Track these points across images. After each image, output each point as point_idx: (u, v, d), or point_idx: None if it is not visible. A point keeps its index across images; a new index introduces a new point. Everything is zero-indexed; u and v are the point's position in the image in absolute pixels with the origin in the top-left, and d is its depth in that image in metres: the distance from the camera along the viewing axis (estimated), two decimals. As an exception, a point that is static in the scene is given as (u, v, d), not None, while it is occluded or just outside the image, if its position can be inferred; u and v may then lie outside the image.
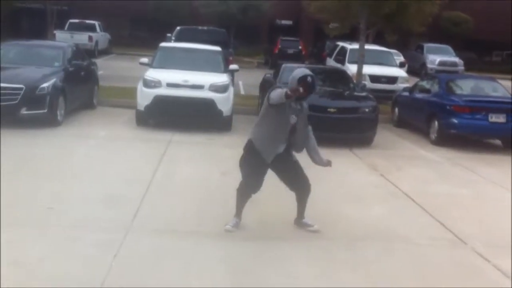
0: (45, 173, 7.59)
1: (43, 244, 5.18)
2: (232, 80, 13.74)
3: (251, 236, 5.72)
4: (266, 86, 13.27)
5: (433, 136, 11.84)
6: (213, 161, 8.86)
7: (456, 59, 29.52)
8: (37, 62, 11.49)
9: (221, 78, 11.66)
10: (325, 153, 9.95)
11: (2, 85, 10.03)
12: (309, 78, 5.48)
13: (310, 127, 5.95)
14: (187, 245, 5.40)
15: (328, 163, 6.11)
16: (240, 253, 5.26)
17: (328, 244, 5.74)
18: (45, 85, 10.40)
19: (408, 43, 31.67)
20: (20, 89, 10.09)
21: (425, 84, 13.73)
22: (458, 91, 12.48)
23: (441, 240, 6.12)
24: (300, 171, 6.08)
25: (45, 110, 10.34)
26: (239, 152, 9.69)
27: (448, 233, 6.33)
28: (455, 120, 11.36)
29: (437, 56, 29.09)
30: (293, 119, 5.69)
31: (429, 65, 28.52)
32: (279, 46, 28.77)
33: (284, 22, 37.48)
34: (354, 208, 7.00)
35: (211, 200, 6.81)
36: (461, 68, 28.89)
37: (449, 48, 30.57)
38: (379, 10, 14.78)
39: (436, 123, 11.74)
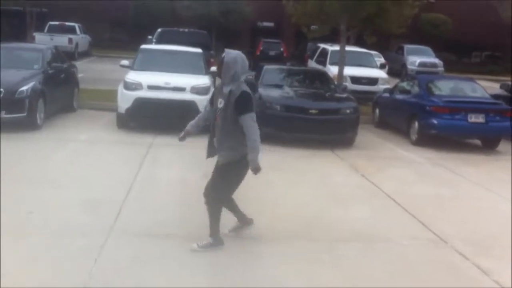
0: (25, 177, 7.49)
1: (23, 250, 5.12)
2: (214, 82, 13.72)
3: (230, 237, 5.70)
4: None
5: (413, 136, 11.94)
6: (194, 163, 8.81)
7: (436, 60, 29.83)
8: (16, 65, 11.34)
9: (203, 80, 11.64)
10: (306, 154, 10.11)
11: (-20, 88, 9.92)
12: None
13: (246, 117, 4.99)
14: (169, 248, 5.38)
15: (254, 170, 5.07)
16: (220, 255, 5.25)
17: (309, 245, 5.75)
18: (24, 88, 10.29)
19: (388, 45, 31.92)
20: (-1, 92, 9.98)
21: (406, 85, 13.83)
22: (438, 92, 12.59)
23: (422, 240, 6.17)
24: (213, 175, 5.41)
25: (25, 114, 10.23)
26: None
27: (429, 232, 6.38)
28: (435, 121, 11.46)
29: (417, 58, 29.38)
30: (220, 103, 5.22)
31: (409, 66, 28.79)
32: (261, 48, 28.83)
33: (265, 24, 37.53)
34: (336, 209, 7.03)
35: (192, 202, 6.77)
36: (441, 69, 29.20)
37: (429, 49, 30.89)
38: (358, 13, 14.87)
39: (417, 123, 11.84)
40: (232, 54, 5.15)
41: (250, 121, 5.00)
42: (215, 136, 5.28)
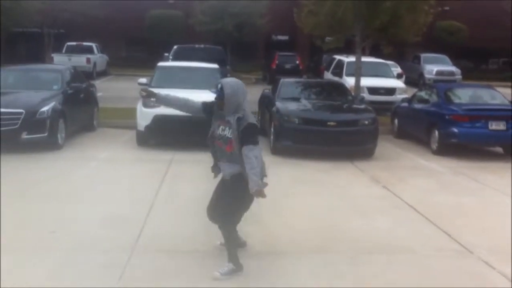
0: (47, 196, 7.57)
1: (46, 268, 5.16)
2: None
3: (255, 252, 5.70)
4: (265, 102, 13.32)
5: (434, 146, 11.84)
6: (215, 179, 8.83)
7: (453, 68, 29.64)
8: (36, 86, 11.55)
9: (220, 96, 11.66)
10: (326, 166, 10.07)
11: (2, 110, 10.07)
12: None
13: (248, 148, 4.88)
14: (192, 264, 5.37)
15: (256, 193, 4.84)
16: (245, 270, 5.23)
17: (332, 258, 5.71)
18: (44, 108, 10.43)
19: (404, 54, 31.81)
20: (20, 113, 10.12)
21: (424, 94, 13.76)
22: (457, 100, 12.50)
23: (446, 251, 6.09)
24: (220, 195, 5.33)
25: (46, 134, 10.36)
26: (240, 169, 9.65)
27: (454, 242, 6.30)
28: (455, 129, 11.37)
29: (434, 66, 29.21)
30: (223, 130, 5.08)
31: (427, 75, 28.64)
32: (277, 62, 28.92)
33: (280, 37, 37.68)
34: (357, 221, 6.98)
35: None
36: (458, 77, 29.00)
37: (445, 57, 30.69)
38: (372, 22, 14.85)
39: (436, 133, 11.75)
40: (230, 85, 4.98)
41: (251, 154, 4.83)
42: (220, 161, 5.21)
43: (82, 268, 5.17)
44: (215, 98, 5.04)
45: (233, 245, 5.27)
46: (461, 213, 7.59)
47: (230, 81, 5.07)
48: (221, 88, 4.95)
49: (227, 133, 5.03)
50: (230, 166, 5.09)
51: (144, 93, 5.57)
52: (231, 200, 5.15)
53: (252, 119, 5.05)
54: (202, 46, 22.19)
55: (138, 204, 7.28)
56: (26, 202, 7.28)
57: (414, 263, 5.70)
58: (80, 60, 26.82)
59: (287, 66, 28.53)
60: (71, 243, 5.82)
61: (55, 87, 11.68)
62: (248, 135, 4.92)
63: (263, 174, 5.10)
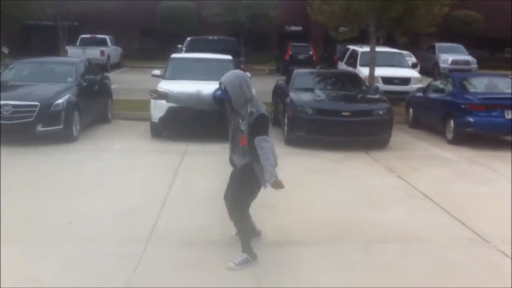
0: (62, 188, 7.64)
1: (62, 259, 5.20)
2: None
3: (270, 242, 5.71)
4: (279, 93, 13.29)
5: (449, 135, 11.75)
6: (229, 170, 8.84)
7: (468, 58, 29.32)
8: (50, 79, 11.60)
9: (234, 87, 11.65)
10: (340, 157, 10.04)
11: (17, 103, 10.14)
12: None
13: (260, 139, 4.83)
14: (207, 255, 5.39)
15: (274, 185, 4.68)
16: (260, 259, 5.23)
17: (347, 248, 5.71)
18: (59, 101, 10.49)
19: (418, 44, 31.53)
20: (35, 106, 10.18)
21: (439, 84, 13.64)
22: (473, 90, 12.38)
23: (462, 240, 6.06)
24: (231, 184, 5.38)
25: (61, 126, 10.42)
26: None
27: (469, 231, 6.26)
28: (471, 119, 11.27)
29: (450, 55, 28.92)
30: (242, 125, 5.00)
31: (442, 65, 28.35)
32: (290, 52, 28.82)
33: (293, 28, 37.51)
34: (372, 211, 6.95)
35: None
36: (474, 66, 28.68)
37: (461, 47, 30.37)
38: (387, 13, 14.72)
39: (452, 122, 11.65)
40: (232, 81, 4.89)
41: (264, 144, 4.79)
42: (234, 155, 5.20)
43: (97, 260, 5.21)
44: (224, 99, 5.00)
45: (246, 235, 5.27)
46: (477, 202, 7.53)
47: (232, 79, 4.91)
48: (224, 86, 4.90)
49: (242, 126, 4.99)
50: (242, 158, 5.09)
51: (154, 95, 5.53)
52: (240, 188, 5.19)
53: (263, 110, 5.02)
54: (215, 37, 22.18)
55: (152, 196, 7.31)
56: (41, 193, 7.34)
57: (429, 252, 5.66)
58: (94, 52, 26.90)
59: (301, 56, 28.42)
60: (86, 234, 5.86)
61: (69, 79, 11.73)
62: (259, 126, 4.89)
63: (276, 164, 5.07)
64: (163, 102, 11.07)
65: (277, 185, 4.68)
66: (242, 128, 4.98)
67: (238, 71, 5.13)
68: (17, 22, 23.73)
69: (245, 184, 5.16)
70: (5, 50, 33.56)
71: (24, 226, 6.03)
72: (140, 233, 5.89)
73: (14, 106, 10.08)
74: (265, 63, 32.51)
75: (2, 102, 10.10)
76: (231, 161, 5.33)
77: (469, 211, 7.03)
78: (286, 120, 11.25)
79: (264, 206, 6.85)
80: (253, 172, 5.02)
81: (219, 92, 5.00)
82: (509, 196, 7.87)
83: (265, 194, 7.50)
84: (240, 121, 4.99)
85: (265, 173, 4.75)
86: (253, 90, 5.09)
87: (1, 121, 9.99)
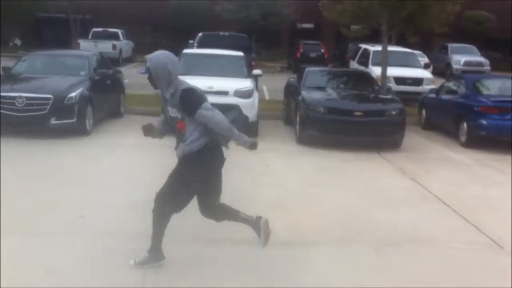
0: (75, 181, 7.67)
1: (75, 252, 5.22)
2: (256, 85, 13.75)
3: (282, 242, 5.69)
4: (290, 91, 13.27)
5: (462, 138, 11.68)
6: (240, 167, 8.85)
7: (481, 59, 29.10)
8: (63, 72, 11.60)
9: (246, 84, 11.67)
10: (352, 157, 10.02)
11: (31, 95, 10.17)
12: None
13: (200, 113, 4.51)
14: (218, 252, 5.39)
15: (251, 146, 4.72)
16: (271, 259, 5.23)
17: (359, 249, 5.69)
18: (73, 94, 10.50)
19: (430, 44, 31.37)
20: (49, 99, 10.21)
21: (452, 85, 13.57)
22: (486, 92, 12.31)
23: (475, 244, 6.03)
24: (168, 186, 4.92)
25: (74, 120, 10.44)
26: (266, 157, 9.70)
27: (483, 236, 6.23)
28: (484, 122, 11.20)
29: (462, 56, 28.72)
30: (172, 112, 4.65)
31: (454, 66, 28.16)
32: (301, 50, 28.78)
33: (305, 25, 37.43)
34: (384, 213, 6.93)
35: (239, 206, 6.77)
36: (487, 68, 28.47)
37: (474, 48, 30.16)
38: (399, 11, 14.64)
39: (465, 124, 11.58)
40: (154, 58, 4.58)
41: (207, 113, 4.49)
42: (178, 147, 4.78)
43: (110, 253, 5.22)
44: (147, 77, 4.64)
45: (158, 231, 4.93)
46: (490, 206, 7.49)
47: (154, 55, 4.62)
48: (147, 64, 4.57)
49: (171, 113, 4.64)
50: (182, 146, 4.69)
51: (148, 134, 4.99)
52: (177, 182, 4.78)
53: (185, 85, 4.60)
54: (227, 33, 22.11)
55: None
56: (54, 186, 7.37)
57: (441, 256, 5.63)
58: (106, 46, 26.97)
59: (312, 54, 28.38)
60: (99, 228, 5.88)
61: (82, 73, 11.73)
62: (189, 100, 4.51)
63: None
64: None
65: (255, 146, 4.66)
66: (173, 115, 4.62)
67: (166, 51, 4.72)
68: (30, 14, 23.83)
69: (182, 178, 4.74)
70: (18, 42, 33.76)
71: (37, 219, 6.06)
72: (151, 228, 5.88)
73: (27, 98, 10.12)
74: (277, 60, 32.46)
75: (16, 94, 10.14)
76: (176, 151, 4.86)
77: (482, 214, 6.98)
78: (298, 118, 11.23)
79: (276, 206, 6.87)
80: (193, 164, 4.64)
81: (142, 71, 4.69)
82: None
83: (277, 193, 7.53)
84: (170, 108, 4.65)
85: (238, 140, 4.61)
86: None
87: (15, 113, 10.04)
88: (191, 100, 4.52)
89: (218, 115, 4.55)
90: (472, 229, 6.47)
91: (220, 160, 4.87)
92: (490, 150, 11.12)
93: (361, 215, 6.79)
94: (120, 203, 6.72)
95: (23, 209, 6.28)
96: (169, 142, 10.90)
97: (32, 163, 8.52)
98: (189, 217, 6.32)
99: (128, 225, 5.98)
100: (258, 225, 5.00)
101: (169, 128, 4.88)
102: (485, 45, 32.65)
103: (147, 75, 4.62)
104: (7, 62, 14.59)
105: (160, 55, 4.61)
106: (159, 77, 4.55)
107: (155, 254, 4.97)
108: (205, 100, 4.59)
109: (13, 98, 10.09)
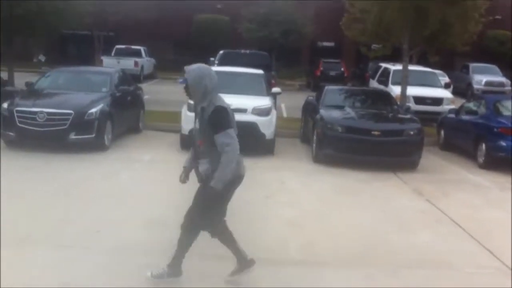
0: (92, 196, 7.77)
1: (90, 266, 5.29)
2: (275, 103, 13.81)
3: (295, 261, 5.69)
4: (309, 109, 13.30)
5: (480, 159, 11.57)
6: (256, 185, 8.87)
7: (503, 79, 28.85)
8: (85, 88, 11.82)
9: (264, 101, 11.73)
10: (368, 177, 9.98)
11: (52, 110, 10.37)
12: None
13: (220, 136, 4.50)
14: (231, 269, 5.39)
15: (211, 187, 4.56)
16: (284, 278, 5.23)
17: (372, 271, 5.65)
18: (93, 110, 10.69)
19: (452, 64, 31.20)
20: (69, 114, 10.41)
21: (472, 105, 13.47)
22: (506, 113, 12.18)
23: (488, 269, 5.95)
24: (194, 203, 4.94)
25: (93, 135, 10.61)
26: (282, 175, 9.70)
27: (496, 261, 6.15)
28: (503, 143, 11.09)
29: (484, 76, 28.49)
30: (196, 123, 4.71)
31: (475, 86, 27.94)
32: (321, 68, 28.84)
33: (325, 44, 37.54)
34: (399, 234, 6.89)
35: (254, 224, 6.81)
36: (508, 88, 28.17)
37: (495, 67, 29.92)
38: (421, 30, 14.62)
39: (484, 146, 11.47)
40: (194, 70, 4.64)
41: (225, 140, 4.46)
42: (198, 160, 4.79)
43: (124, 268, 5.28)
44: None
45: (182, 249, 4.96)
46: (506, 230, 7.38)
47: (193, 66, 4.70)
48: (185, 75, 4.64)
49: (196, 124, 4.68)
50: (202, 163, 4.71)
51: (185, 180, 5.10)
52: (201, 202, 4.77)
53: (221, 102, 4.63)
54: (247, 51, 22.30)
55: (180, 207, 7.33)
56: (72, 200, 7.48)
57: (455, 279, 5.59)
58: (128, 63, 27.35)
59: (332, 73, 28.42)
60: (115, 242, 5.95)
61: (104, 89, 11.93)
62: (217, 119, 4.51)
63: (238, 172, 4.69)
64: (194, 114, 11.32)
65: (213, 192, 4.51)
66: (197, 127, 4.67)
67: (206, 65, 4.80)
68: (55, 30, 24.29)
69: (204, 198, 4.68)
70: (42, 58, 34.37)
71: (54, 232, 6.15)
72: (167, 243, 5.92)
73: (48, 113, 10.33)
74: (296, 78, 32.55)
75: (38, 109, 10.35)
76: (196, 173, 4.86)
77: (498, 239, 6.90)
78: (315, 137, 11.24)
79: (291, 224, 6.88)
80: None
81: (180, 80, 4.76)
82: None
83: (293, 212, 7.52)
84: (197, 119, 4.69)
85: (217, 176, 4.48)
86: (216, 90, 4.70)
87: (35, 128, 10.24)
88: (220, 119, 4.53)
89: (233, 152, 4.49)
90: (486, 253, 6.40)
91: (238, 182, 4.86)
92: (509, 172, 10.97)
93: (376, 236, 6.76)
94: (136, 218, 6.79)
95: (40, 222, 6.39)
96: (184, 159, 10.96)
97: (50, 177, 8.65)
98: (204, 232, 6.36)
99: (143, 241, 6.04)
100: (245, 266, 5.06)
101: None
102: (507, 65, 32.33)
103: (183, 85, 4.69)
104: (31, 78, 14.86)
105: (199, 68, 4.69)
106: (195, 89, 4.61)
107: (174, 269, 4.99)
108: (231, 126, 4.58)
109: (35, 113, 10.31)
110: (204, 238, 5.09)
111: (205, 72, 4.66)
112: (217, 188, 4.50)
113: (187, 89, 4.67)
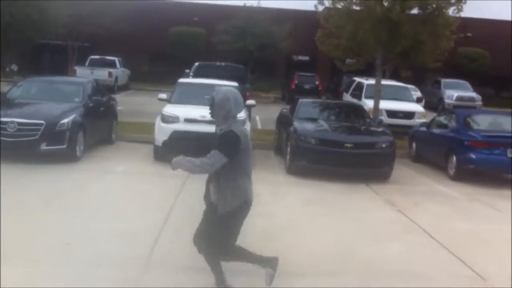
0: (63, 207, 7.65)
1: (59, 280, 5.19)
2: (249, 115, 13.84)
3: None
4: (283, 121, 13.36)
5: (451, 171, 11.75)
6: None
7: (473, 94, 29.46)
8: (57, 98, 11.67)
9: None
10: (341, 188, 10.06)
11: (23, 121, 10.22)
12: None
13: (212, 153, 4.70)
14: (206, 281, 5.37)
15: (172, 164, 5.03)
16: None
17: (344, 282, 5.67)
18: (65, 121, 10.56)
19: (423, 79, 31.73)
20: (40, 124, 10.26)
21: (443, 119, 13.70)
22: (476, 127, 12.42)
23: (460, 277, 6.03)
24: (205, 225, 4.98)
25: (65, 146, 10.47)
26: (256, 187, 9.66)
27: (467, 269, 6.24)
28: (473, 156, 11.29)
29: (455, 91, 29.06)
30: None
31: (447, 100, 28.48)
32: (296, 81, 29.04)
33: (300, 57, 37.84)
34: (371, 245, 6.94)
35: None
36: (478, 103, 28.82)
37: (466, 83, 30.55)
38: (394, 47, 14.86)
39: (454, 158, 11.67)
40: (222, 92, 4.76)
41: (214, 159, 4.63)
42: (212, 182, 4.88)
43: (95, 282, 5.19)
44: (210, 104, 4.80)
45: (218, 271, 5.07)
46: (477, 240, 7.51)
47: (224, 88, 4.86)
48: (214, 94, 4.76)
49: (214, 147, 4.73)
50: (213, 192, 4.83)
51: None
52: (222, 231, 4.78)
53: (236, 128, 4.71)
54: (223, 64, 22.34)
55: (153, 219, 7.31)
56: (43, 212, 7.35)
57: (427, 289, 5.65)
58: (102, 73, 27.17)
59: (306, 86, 28.64)
60: (85, 255, 5.85)
61: (76, 99, 11.81)
62: (222, 141, 4.64)
63: (245, 198, 4.79)
64: (168, 125, 11.31)
65: (173, 167, 4.92)
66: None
67: (236, 90, 4.91)
68: (29, 40, 24.02)
69: (230, 225, 4.78)
70: (15, 67, 33.91)
71: (24, 245, 6.02)
72: (139, 256, 5.89)
73: (19, 123, 10.17)
74: (271, 91, 32.72)
75: (8, 119, 10.19)
76: (206, 197, 4.97)
77: (469, 248, 7.01)
78: (288, 149, 11.29)
79: (264, 236, 6.87)
80: (240, 211, 4.77)
81: (207, 97, 4.81)
82: (509, 234, 7.85)
83: (265, 223, 7.51)
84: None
85: (180, 162, 4.89)
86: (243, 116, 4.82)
87: (6, 138, 10.06)
88: (226, 142, 4.64)
89: (203, 169, 4.76)
90: (457, 262, 6.48)
91: (246, 209, 4.92)
92: (479, 184, 11.19)
93: (348, 247, 6.79)
94: (107, 231, 6.70)
95: (8, 235, 6.25)
96: (160, 170, 10.95)
97: (20, 189, 8.51)
98: (188, 246, 6.34)
99: (114, 254, 5.96)
100: (275, 264, 5.14)
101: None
102: (478, 81, 33.01)
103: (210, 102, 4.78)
104: (3, 87, 14.65)
105: (228, 92, 4.78)
106: (219, 110, 4.71)
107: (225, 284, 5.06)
108: (232, 155, 4.64)
109: (5, 123, 10.13)
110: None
111: (232, 96, 4.74)
112: (176, 166, 4.85)
113: (211, 107, 4.77)
